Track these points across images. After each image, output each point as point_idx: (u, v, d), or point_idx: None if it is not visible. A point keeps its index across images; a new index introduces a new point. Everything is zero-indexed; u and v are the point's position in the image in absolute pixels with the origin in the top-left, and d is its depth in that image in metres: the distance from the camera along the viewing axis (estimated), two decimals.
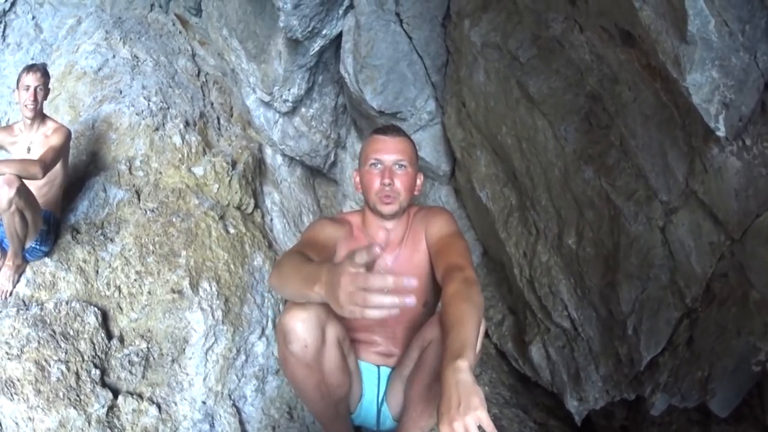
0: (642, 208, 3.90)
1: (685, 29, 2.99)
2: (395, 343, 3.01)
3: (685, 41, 3.04)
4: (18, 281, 4.51)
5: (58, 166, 4.79)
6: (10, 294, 4.44)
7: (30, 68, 4.68)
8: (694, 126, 3.43)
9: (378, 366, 3.03)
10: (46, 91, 4.78)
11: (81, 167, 5.47)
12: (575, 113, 4.25)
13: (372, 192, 2.82)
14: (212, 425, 4.64)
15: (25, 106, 4.64)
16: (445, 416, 1.81)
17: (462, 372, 1.89)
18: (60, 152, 4.72)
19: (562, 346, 4.62)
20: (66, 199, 5.09)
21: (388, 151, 2.80)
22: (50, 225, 4.72)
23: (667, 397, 4.00)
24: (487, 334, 5.54)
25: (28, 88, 4.62)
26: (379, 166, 2.80)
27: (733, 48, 3.08)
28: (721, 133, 3.17)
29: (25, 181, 4.35)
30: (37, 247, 4.59)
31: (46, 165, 4.51)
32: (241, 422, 4.79)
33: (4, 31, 6.89)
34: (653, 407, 4.06)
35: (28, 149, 4.75)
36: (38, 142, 4.74)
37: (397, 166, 2.79)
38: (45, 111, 4.92)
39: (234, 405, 4.78)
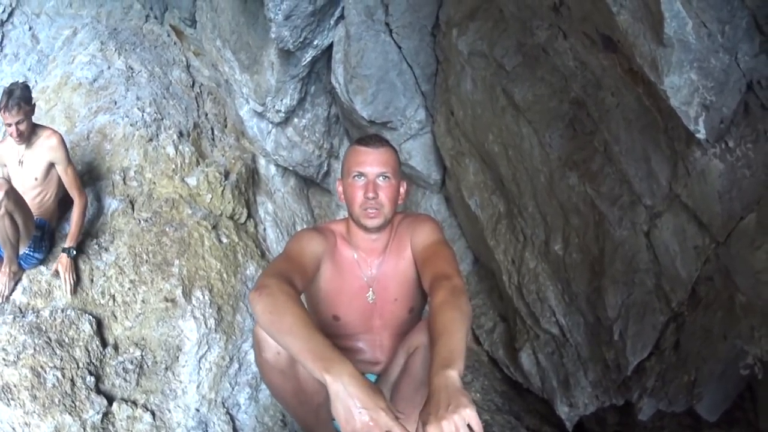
0: (626, 213, 3.92)
1: (662, 32, 3.01)
2: (381, 350, 3.02)
3: (662, 44, 3.06)
4: (14, 288, 4.54)
5: (54, 176, 4.87)
6: (6, 300, 4.46)
7: (5, 106, 4.55)
8: (677, 130, 3.44)
9: (363, 374, 3.03)
10: (29, 116, 4.71)
11: None
12: (560, 120, 4.26)
13: (356, 205, 2.80)
14: None
15: (11, 136, 4.67)
16: (433, 416, 1.82)
17: (450, 379, 1.90)
18: (69, 159, 4.86)
19: (552, 353, 4.63)
20: (61, 209, 5.11)
21: (371, 164, 2.77)
22: (44, 232, 4.77)
23: (654, 402, 4.01)
24: (478, 342, 5.55)
25: (9, 125, 4.59)
26: (362, 178, 2.77)
27: (713, 49, 3.09)
28: (701, 135, 3.18)
29: (22, 192, 4.50)
30: (31, 253, 4.63)
31: (78, 186, 4.84)
32: (235, 430, 4.79)
33: (1, 42, 6.92)
34: (641, 412, 4.07)
35: (20, 162, 4.79)
36: (33, 153, 4.78)
37: (381, 179, 2.77)
38: (41, 120, 4.98)
39: (228, 412, 4.79)
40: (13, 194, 4.26)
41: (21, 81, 5.01)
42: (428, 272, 2.62)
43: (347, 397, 1.92)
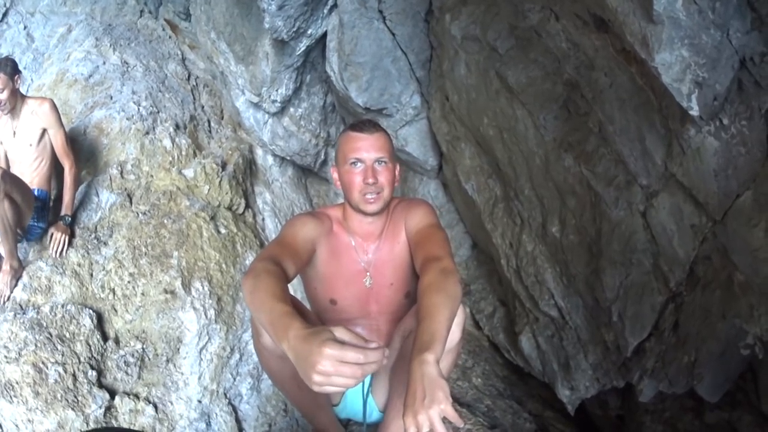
0: (622, 193, 3.91)
1: (651, 9, 3.01)
2: (379, 335, 3.02)
3: (652, 21, 3.06)
4: (15, 286, 4.54)
5: (47, 141, 4.95)
6: (8, 299, 4.46)
7: None
8: (671, 108, 3.45)
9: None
10: (14, 85, 4.78)
11: None
12: (554, 101, 4.26)
13: (355, 191, 2.79)
14: (209, 424, 4.66)
15: None
16: (409, 408, 1.83)
17: (428, 365, 1.90)
18: (61, 124, 4.96)
19: (551, 335, 4.63)
20: (58, 175, 5.19)
21: (368, 150, 2.76)
22: (45, 201, 4.87)
23: (654, 383, 4.01)
24: (479, 327, 5.55)
25: None
26: (360, 165, 2.76)
27: (703, 26, 3.09)
28: (694, 112, 3.18)
29: (18, 162, 4.76)
30: (35, 224, 4.72)
31: (68, 152, 4.95)
32: (238, 420, 4.80)
33: None
34: (642, 394, 4.07)
35: (14, 133, 4.87)
36: (25, 122, 4.87)
37: (377, 163, 2.76)
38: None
39: (230, 403, 4.80)
40: (9, 176, 4.33)
41: (7, 56, 5.06)
42: (420, 255, 2.61)
43: (296, 357, 1.88)
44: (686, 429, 4.42)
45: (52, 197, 5.08)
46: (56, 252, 4.75)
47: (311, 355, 1.81)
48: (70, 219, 4.91)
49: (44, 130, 4.90)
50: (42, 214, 4.78)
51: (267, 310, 2.09)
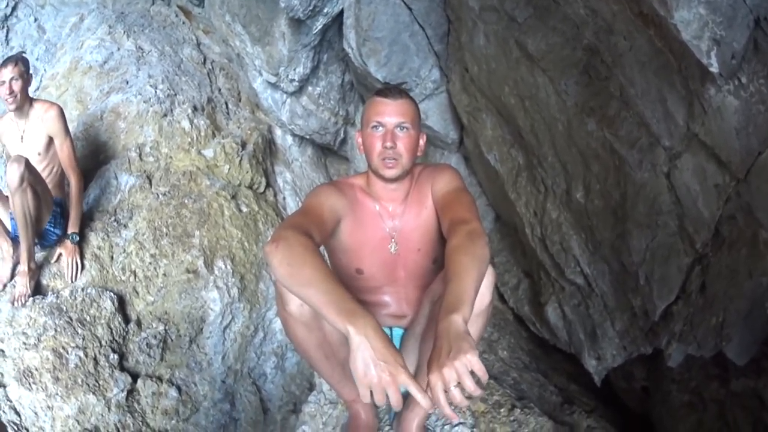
0: (646, 155, 3.90)
1: None
2: (408, 302, 2.99)
3: None
4: (34, 286, 4.47)
5: (57, 147, 4.79)
6: (30, 297, 4.38)
7: (2, 64, 4.58)
8: (690, 69, 3.45)
9: (390, 328, 3.01)
10: (26, 80, 4.66)
11: (91, 157, 5.51)
12: (574, 67, 4.24)
13: (374, 155, 2.78)
14: (233, 404, 4.67)
15: (5, 100, 4.58)
16: (434, 363, 1.81)
17: (454, 325, 1.88)
18: (68, 132, 4.77)
19: (578, 304, 4.61)
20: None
21: (390, 114, 2.75)
22: (63, 208, 4.75)
23: (683, 347, 3.98)
24: (503, 300, 5.54)
25: (3, 83, 4.52)
26: (380, 129, 2.75)
27: None
28: (714, 69, 3.20)
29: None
30: (51, 229, 4.61)
31: (74, 164, 4.73)
32: (262, 400, 4.81)
33: (7, 35, 6.92)
34: (670, 358, 4.05)
35: (21, 138, 4.72)
36: (32, 127, 4.70)
37: (398, 129, 2.74)
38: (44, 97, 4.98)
39: (254, 383, 4.81)
40: (31, 166, 4.25)
41: (22, 52, 5.01)
42: (447, 218, 2.60)
43: (369, 349, 1.89)
44: (712, 398, 4.40)
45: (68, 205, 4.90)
46: (72, 277, 4.63)
47: (377, 367, 1.86)
48: (77, 237, 4.71)
49: (51, 138, 4.74)
50: (59, 220, 4.68)
51: (323, 289, 2.07)
